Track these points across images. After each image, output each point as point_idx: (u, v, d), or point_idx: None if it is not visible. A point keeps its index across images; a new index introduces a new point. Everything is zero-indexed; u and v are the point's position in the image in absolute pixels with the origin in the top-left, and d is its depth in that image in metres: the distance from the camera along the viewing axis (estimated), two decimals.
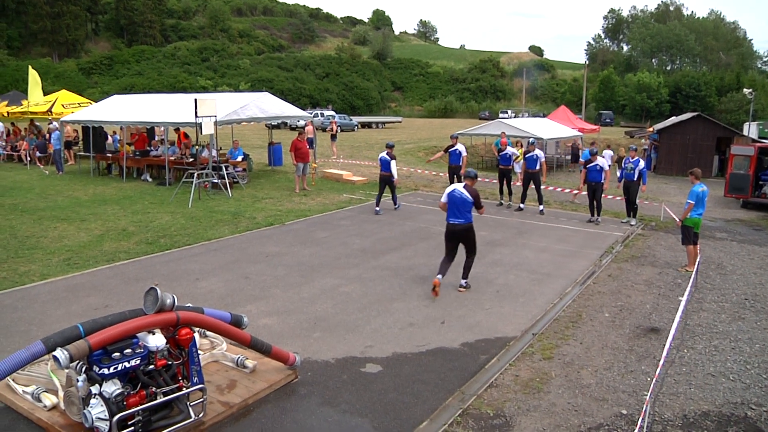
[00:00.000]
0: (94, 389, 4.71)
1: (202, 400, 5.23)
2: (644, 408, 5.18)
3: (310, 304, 8.58)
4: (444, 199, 9.46)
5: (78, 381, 4.76)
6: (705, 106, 70.84)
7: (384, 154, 15.25)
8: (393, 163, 15.19)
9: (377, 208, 15.33)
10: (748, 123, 43.51)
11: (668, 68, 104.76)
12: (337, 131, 31.97)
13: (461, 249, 9.47)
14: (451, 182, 16.81)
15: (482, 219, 14.90)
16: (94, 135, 20.97)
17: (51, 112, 26.29)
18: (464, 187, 9.30)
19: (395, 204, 16.00)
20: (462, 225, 9.37)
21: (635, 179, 14.44)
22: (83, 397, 4.79)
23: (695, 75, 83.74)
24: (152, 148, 21.55)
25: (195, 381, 5.27)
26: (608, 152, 28.33)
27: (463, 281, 9.52)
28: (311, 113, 40.35)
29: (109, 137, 23.46)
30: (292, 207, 15.83)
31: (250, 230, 13.14)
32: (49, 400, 5.36)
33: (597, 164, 14.62)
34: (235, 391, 5.82)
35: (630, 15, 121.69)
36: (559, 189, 19.32)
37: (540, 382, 6.40)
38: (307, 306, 8.48)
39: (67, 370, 4.98)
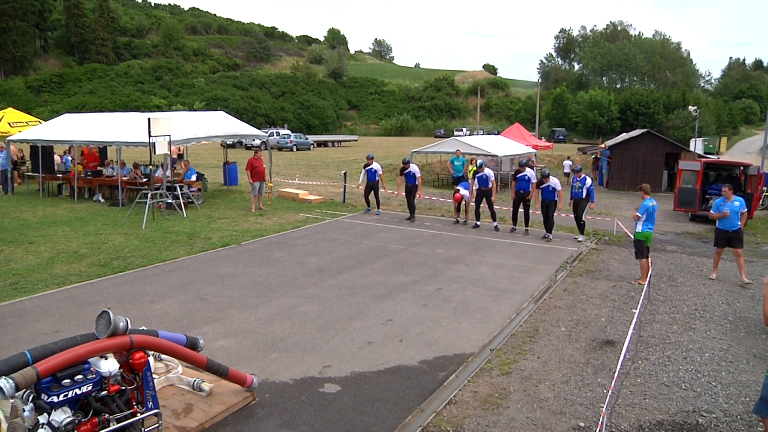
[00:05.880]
0: (42, 419, 4.53)
1: (157, 425, 5.09)
2: (601, 420, 5.25)
3: (267, 324, 8.47)
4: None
5: (24, 411, 4.58)
6: (654, 123, 73.00)
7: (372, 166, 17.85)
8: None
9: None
10: (694, 139, 45.07)
11: (618, 86, 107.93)
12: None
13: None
14: (408, 201, 17.15)
15: (439, 237, 15.06)
16: (43, 154, 20.46)
17: None
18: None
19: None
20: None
21: (584, 197, 14.88)
22: (30, 428, 4.60)
23: (644, 93, 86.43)
24: (105, 168, 21.12)
25: (150, 406, 5.12)
26: (567, 162, 29.20)
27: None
28: (267, 132, 40.16)
29: (57, 157, 22.84)
30: (248, 227, 15.67)
31: (205, 251, 12.94)
32: None
33: (549, 185, 14.94)
34: (192, 415, 5.69)
35: (580, 35, 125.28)
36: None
37: (499, 397, 6.44)
38: (264, 327, 8.37)
39: (12, 400, 4.79)
